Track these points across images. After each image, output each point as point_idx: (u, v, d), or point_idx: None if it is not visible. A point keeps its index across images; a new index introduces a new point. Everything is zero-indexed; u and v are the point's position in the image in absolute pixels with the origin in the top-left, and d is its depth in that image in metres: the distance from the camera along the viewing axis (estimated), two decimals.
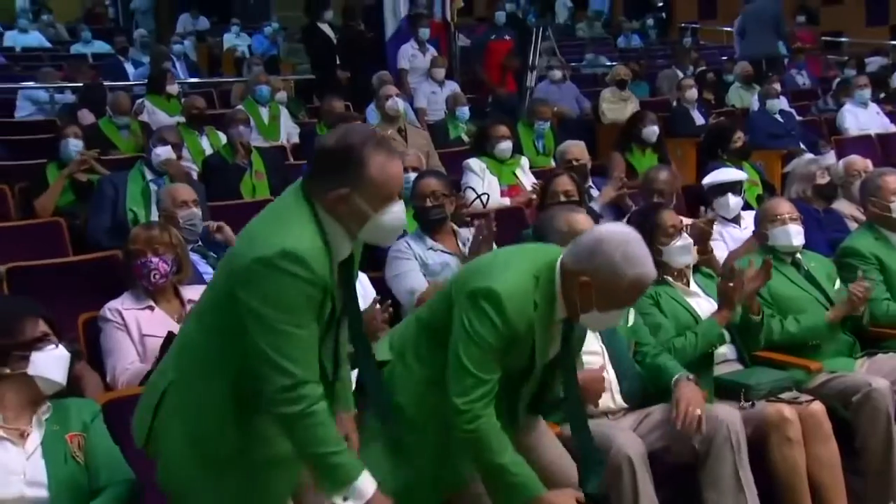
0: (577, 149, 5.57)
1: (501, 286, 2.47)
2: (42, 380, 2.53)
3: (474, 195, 5.42)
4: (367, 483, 2.21)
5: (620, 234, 2.53)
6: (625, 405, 3.26)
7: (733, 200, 4.79)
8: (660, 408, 3.24)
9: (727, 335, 3.57)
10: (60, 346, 2.56)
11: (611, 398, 3.21)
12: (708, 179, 4.97)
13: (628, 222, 3.77)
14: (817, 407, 3.34)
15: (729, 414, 3.13)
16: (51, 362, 2.53)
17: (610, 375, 3.19)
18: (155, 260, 3.46)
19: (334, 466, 2.19)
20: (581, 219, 3.35)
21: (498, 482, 2.55)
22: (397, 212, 2.27)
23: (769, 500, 3.19)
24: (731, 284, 3.45)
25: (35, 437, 2.51)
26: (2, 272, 3.93)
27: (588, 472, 2.70)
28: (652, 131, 6.44)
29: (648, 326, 3.42)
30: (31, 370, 2.51)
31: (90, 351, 3.41)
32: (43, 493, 2.44)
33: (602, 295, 2.47)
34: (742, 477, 3.05)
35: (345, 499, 2.18)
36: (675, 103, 8.59)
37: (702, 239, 4.12)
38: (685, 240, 3.63)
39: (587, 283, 2.45)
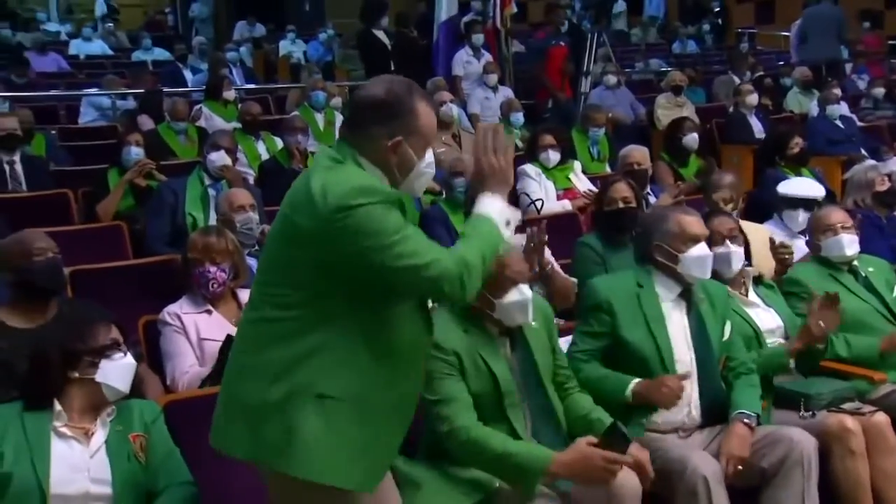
0: (639, 153, 5.53)
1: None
2: (107, 387, 2.58)
3: (528, 201, 5.42)
4: None
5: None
6: (698, 421, 3.16)
7: (802, 217, 4.60)
8: (737, 426, 3.10)
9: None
10: (128, 355, 2.62)
11: (687, 414, 3.12)
12: (784, 189, 4.80)
13: None
14: (881, 418, 3.25)
15: (802, 436, 3.02)
16: (117, 371, 2.59)
17: (691, 389, 3.10)
18: (213, 269, 3.50)
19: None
20: (694, 222, 3.24)
21: (506, 471, 2.60)
22: (431, 161, 2.30)
23: None
24: (821, 323, 3.38)
25: (99, 437, 2.57)
26: (66, 275, 4.00)
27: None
28: (692, 139, 6.40)
29: None
30: (98, 377, 2.57)
31: (150, 353, 3.47)
32: (107, 489, 2.50)
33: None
34: (807, 501, 2.95)
35: None
36: (731, 109, 8.48)
37: (781, 265, 4.05)
38: (728, 248, 3.54)
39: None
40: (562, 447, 2.67)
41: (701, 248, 3.19)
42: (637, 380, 3.05)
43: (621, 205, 4.24)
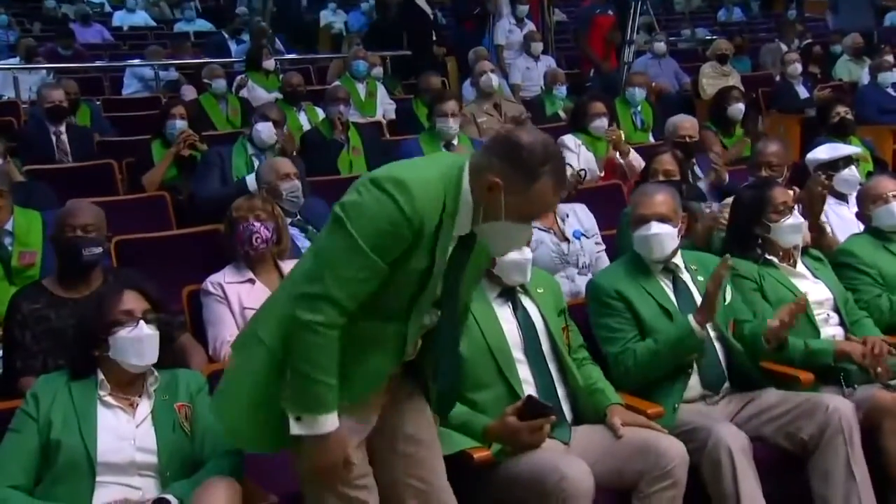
0: (689, 124, 5.43)
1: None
2: (122, 362, 2.57)
3: (571, 171, 5.36)
4: (328, 421, 2.14)
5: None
6: (726, 388, 3.17)
7: (848, 173, 4.49)
8: (768, 392, 3.14)
9: (836, 317, 3.45)
10: (141, 325, 2.56)
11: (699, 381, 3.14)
12: (811, 156, 4.71)
13: (738, 198, 3.68)
14: None
15: (841, 403, 3.00)
16: (127, 345, 2.55)
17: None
18: (257, 224, 3.52)
19: (308, 390, 2.12)
20: (649, 203, 3.21)
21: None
22: (522, 234, 2.25)
23: (882, 490, 3.06)
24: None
25: (145, 406, 2.59)
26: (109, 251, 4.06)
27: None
28: (738, 109, 6.30)
29: (751, 314, 3.31)
30: (111, 353, 2.57)
31: (194, 322, 3.50)
32: (153, 458, 2.53)
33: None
34: (855, 470, 2.91)
35: (297, 419, 2.13)
36: (778, 78, 8.33)
37: (815, 203, 3.97)
38: (796, 218, 3.50)
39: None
40: (563, 411, 2.83)
41: (647, 228, 3.17)
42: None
43: (661, 178, 4.20)
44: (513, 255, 2.91)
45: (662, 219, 3.18)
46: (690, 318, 3.05)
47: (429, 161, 2.32)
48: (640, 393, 3.08)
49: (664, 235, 3.18)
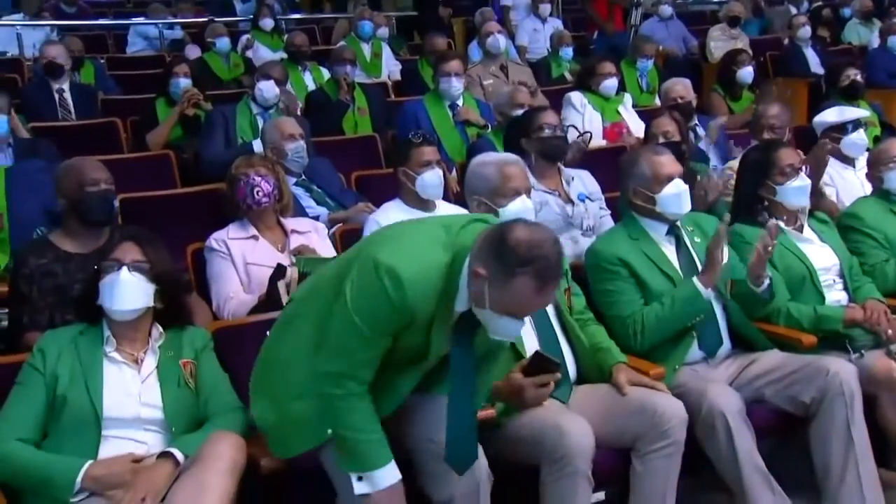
0: (680, 87, 5.43)
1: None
2: (107, 309, 2.59)
3: (576, 133, 5.34)
4: (387, 474, 2.32)
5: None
6: (728, 350, 3.18)
7: (856, 136, 4.44)
8: (771, 354, 3.15)
9: (842, 283, 3.44)
10: (122, 270, 2.56)
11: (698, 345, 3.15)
12: (818, 119, 4.65)
13: (744, 160, 3.67)
14: None
15: (843, 367, 3.00)
16: (105, 290, 2.57)
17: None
18: (257, 178, 3.54)
19: (358, 448, 2.32)
20: (666, 161, 3.23)
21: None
22: (510, 325, 2.27)
23: (882, 456, 3.09)
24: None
25: (150, 362, 2.61)
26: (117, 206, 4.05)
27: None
28: (747, 72, 6.26)
29: None
30: (100, 300, 2.59)
31: (198, 281, 3.51)
32: (158, 414, 2.55)
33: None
34: (854, 434, 2.92)
35: (359, 478, 2.31)
36: (786, 41, 8.25)
37: (820, 168, 3.95)
38: (803, 180, 3.48)
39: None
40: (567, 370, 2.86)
41: (675, 186, 3.18)
42: None
43: (661, 140, 4.20)
44: (515, 206, 2.94)
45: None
46: (695, 280, 3.06)
47: (441, 234, 2.32)
48: (642, 354, 3.08)
49: (686, 192, 3.20)
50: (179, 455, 2.42)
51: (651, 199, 3.20)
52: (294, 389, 2.40)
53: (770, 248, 3.07)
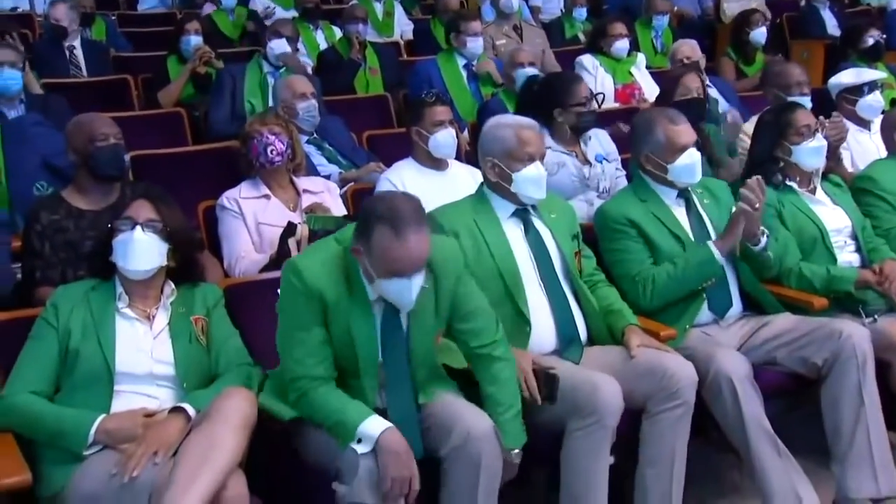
0: (686, 47, 5.44)
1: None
2: (121, 268, 2.59)
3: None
4: (376, 421, 2.38)
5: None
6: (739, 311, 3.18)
7: (872, 98, 4.37)
8: (783, 317, 3.15)
9: (854, 244, 3.43)
10: (136, 229, 2.56)
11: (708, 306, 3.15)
12: (834, 80, 4.58)
13: (760, 120, 3.64)
14: None
15: (856, 329, 2.99)
16: (119, 249, 2.57)
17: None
18: (271, 137, 3.53)
19: (338, 425, 2.40)
20: (682, 130, 3.18)
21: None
22: (405, 287, 2.39)
23: (893, 419, 3.08)
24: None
25: (161, 319, 2.62)
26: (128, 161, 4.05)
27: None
28: (760, 33, 6.18)
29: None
30: (113, 257, 2.59)
31: (210, 238, 3.51)
32: (170, 369, 2.56)
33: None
34: (865, 396, 2.92)
35: (358, 441, 2.37)
36: (803, 2, 8.15)
37: (840, 135, 3.97)
38: (819, 141, 3.46)
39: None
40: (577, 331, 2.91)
41: (689, 156, 3.16)
42: None
43: (695, 95, 4.17)
44: (529, 171, 2.93)
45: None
46: (711, 244, 3.05)
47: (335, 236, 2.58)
48: (652, 314, 3.09)
49: (699, 161, 3.19)
50: (191, 410, 2.44)
51: (663, 168, 3.19)
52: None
53: (758, 206, 3.05)
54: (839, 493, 2.98)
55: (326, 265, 2.46)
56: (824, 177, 3.58)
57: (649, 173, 3.23)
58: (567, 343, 2.90)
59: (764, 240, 3.15)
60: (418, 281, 2.41)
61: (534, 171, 2.94)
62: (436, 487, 2.50)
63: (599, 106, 4.89)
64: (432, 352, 2.63)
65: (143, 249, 2.57)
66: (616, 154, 4.09)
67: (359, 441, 2.36)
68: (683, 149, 3.17)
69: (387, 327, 2.50)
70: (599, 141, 4.06)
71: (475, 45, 5.51)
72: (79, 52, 5.90)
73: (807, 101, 4.16)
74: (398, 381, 2.52)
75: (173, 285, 2.66)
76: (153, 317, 2.61)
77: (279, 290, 2.50)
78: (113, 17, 7.53)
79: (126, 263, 2.57)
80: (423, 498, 2.43)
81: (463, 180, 3.66)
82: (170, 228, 2.62)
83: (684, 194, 3.23)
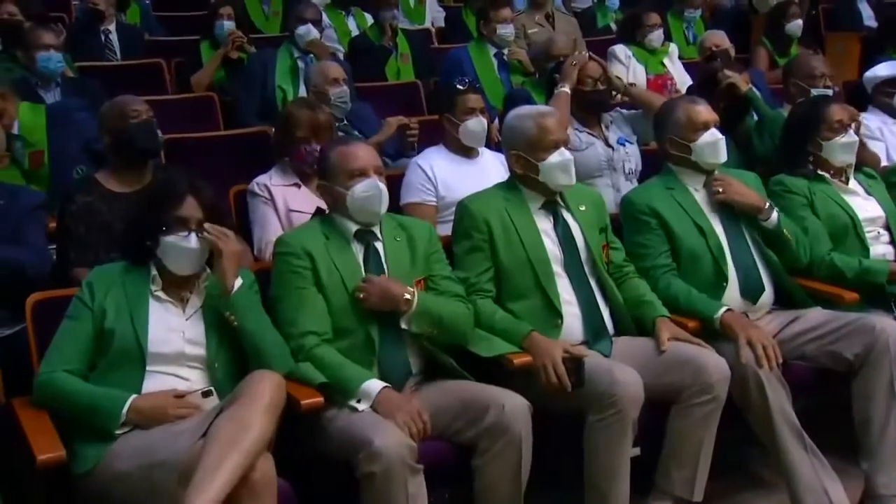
0: (715, 37, 5.47)
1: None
2: (167, 266, 2.60)
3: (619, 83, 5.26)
4: (371, 386, 2.55)
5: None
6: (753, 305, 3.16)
7: None
8: (814, 311, 3.13)
9: (887, 235, 3.41)
10: (191, 237, 2.57)
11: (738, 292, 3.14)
12: (870, 73, 4.57)
13: (792, 113, 3.63)
14: None
15: (889, 324, 2.97)
16: (171, 251, 2.57)
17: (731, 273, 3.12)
18: (320, 148, 3.52)
19: (339, 381, 2.58)
20: (702, 109, 3.22)
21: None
22: (367, 187, 2.74)
23: None
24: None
25: (195, 301, 2.65)
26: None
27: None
28: (796, 25, 6.12)
29: (801, 230, 3.28)
30: (159, 252, 2.60)
31: (240, 222, 3.53)
32: (201, 351, 2.59)
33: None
34: None
35: (358, 401, 2.54)
36: None
37: None
38: (850, 137, 3.43)
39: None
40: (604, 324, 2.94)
41: (712, 134, 3.17)
42: (723, 308, 3.02)
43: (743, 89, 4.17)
44: (555, 158, 2.94)
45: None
46: (721, 311, 3.01)
47: None
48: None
49: (723, 141, 3.20)
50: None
51: (686, 148, 3.18)
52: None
53: (721, 190, 3.14)
54: (868, 490, 2.96)
55: (306, 230, 2.82)
56: (858, 169, 3.55)
57: (674, 158, 3.23)
58: (595, 335, 2.91)
59: (774, 214, 3.14)
60: (382, 184, 2.75)
61: (558, 157, 2.95)
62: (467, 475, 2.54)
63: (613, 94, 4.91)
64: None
65: (194, 256, 2.60)
66: (633, 134, 4.11)
67: (358, 401, 2.52)
68: (705, 126, 3.17)
69: (368, 259, 2.76)
70: (617, 124, 4.08)
71: (505, 31, 5.50)
72: (114, 36, 5.95)
73: (829, 94, 4.13)
74: None
75: (209, 269, 2.68)
76: (187, 300, 2.64)
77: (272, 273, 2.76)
78: (147, 2, 7.56)
79: (176, 267, 2.59)
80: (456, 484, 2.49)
81: (493, 168, 3.67)
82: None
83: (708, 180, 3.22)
